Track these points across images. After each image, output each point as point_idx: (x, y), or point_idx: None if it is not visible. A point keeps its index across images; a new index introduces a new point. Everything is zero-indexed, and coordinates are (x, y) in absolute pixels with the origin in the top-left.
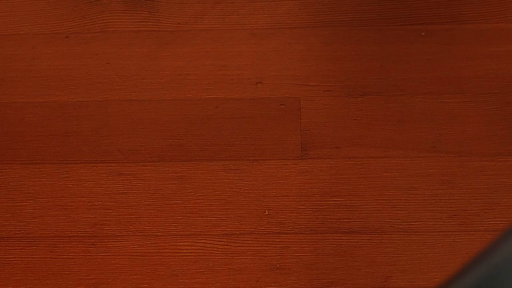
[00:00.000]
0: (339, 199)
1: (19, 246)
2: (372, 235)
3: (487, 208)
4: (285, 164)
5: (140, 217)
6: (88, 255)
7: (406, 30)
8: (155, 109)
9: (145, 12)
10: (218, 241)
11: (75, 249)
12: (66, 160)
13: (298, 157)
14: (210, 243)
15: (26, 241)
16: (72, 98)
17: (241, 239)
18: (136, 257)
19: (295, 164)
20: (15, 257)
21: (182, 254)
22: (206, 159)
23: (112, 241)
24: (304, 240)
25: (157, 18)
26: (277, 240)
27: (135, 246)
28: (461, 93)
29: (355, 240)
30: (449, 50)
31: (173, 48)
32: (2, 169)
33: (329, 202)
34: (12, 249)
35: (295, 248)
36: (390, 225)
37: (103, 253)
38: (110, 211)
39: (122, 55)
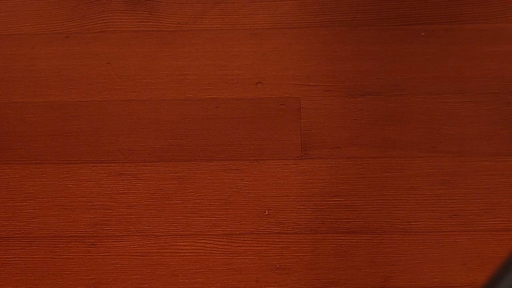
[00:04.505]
0: (339, 199)
1: (19, 246)
2: (372, 235)
3: (487, 208)
4: (285, 164)
5: (140, 217)
6: (88, 255)
7: (406, 30)
8: (155, 109)
9: (145, 12)
10: (218, 241)
11: (75, 249)
12: (66, 160)
13: (298, 157)
14: (210, 243)
15: (26, 241)
16: (72, 98)
17: (241, 239)
18: (136, 257)
19: (295, 164)
20: (15, 257)
21: (182, 254)
22: (206, 159)
23: (112, 241)
24: (304, 240)
25: (157, 18)
26: (277, 240)
27: (135, 246)
28: (461, 93)
29: (355, 240)
30: (449, 50)
31: (173, 48)
32: (2, 169)
33: (329, 202)
34: (12, 249)
35: (295, 248)
36: (390, 225)
37: (103, 253)
38: (110, 211)
39: (122, 55)
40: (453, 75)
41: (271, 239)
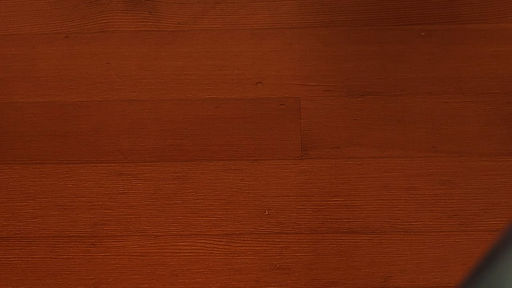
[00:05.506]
0: (339, 199)
1: (19, 246)
2: (372, 235)
3: (487, 208)
4: (285, 164)
5: (140, 217)
6: (88, 255)
7: (406, 30)
8: (155, 109)
9: (145, 12)
10: (218, 241)
11: (75, 249)
12: (66, 160)
13: (298, 157)
14: (210, 243)
15: (26, 241)
16: (72, 98)
17: (241, 239)
18: (136, 257)
19: (295, 164)
20: (15, 257)
21: (182, 254)
22: (206, 159)
23: (112, 241)
24: (304, 240)
25: (157, 18)
26: (277, 240)
27: (135, 246)
28: (461, 93)
29: (355, 240)
30: (449, 50)
31: (173, 48)
32: (2, 169)
33: (329, 202)
34: (12, 249)
35: (295, 248)
36: (390, 225)
37: (103, 253)
38: (110, 211)
39: (122, 55)
40: (453, 75)
41: (271, 239)
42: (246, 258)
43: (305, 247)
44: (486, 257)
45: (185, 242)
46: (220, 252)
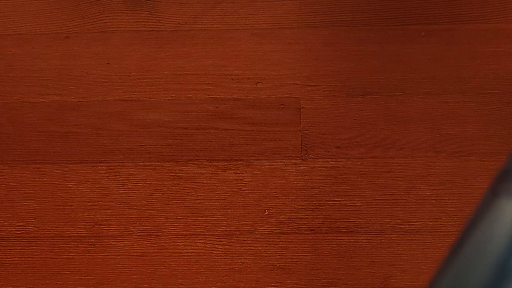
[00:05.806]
0: (339, 199)
1: (19, 246)
2: (372, 235)
3: None
4: (285, 164)
5: (140, 217)
6: (88, 255)
7: (406, 30)
8: (155, 109)
9: (145, 12)
10: (218, 241)
11: (75, 249)
12: (66, 160)
13: (298, 157)
14: (210, 243)
15: (26, 241)
16: (72, 98)
17: (241, 239)
18: (136, 257)
19: (295, 164)
20: (15, 257)
21: (182, 254)
22: (206, 159)
23: (112, 241)
24: (304, 240)
25: (157, 18)
26: (277, 240)
27: (135, 246)
28: (461, 93)
29: (355, 240)
30: (449, 50)
31: (173, 48)
32: (2, 169)
33: (329, 202)
34: (12, 249)
35: (295, 248)
36: (390, 225)
37: (103, 253)
38: (110, 211)
39: (122, 55)
40: (453, 75)
41: (271, 239)
42: (246, 258)
43: (305, 247)
44: (450, 251)
45: (185, 242)
46: (220, 252)
